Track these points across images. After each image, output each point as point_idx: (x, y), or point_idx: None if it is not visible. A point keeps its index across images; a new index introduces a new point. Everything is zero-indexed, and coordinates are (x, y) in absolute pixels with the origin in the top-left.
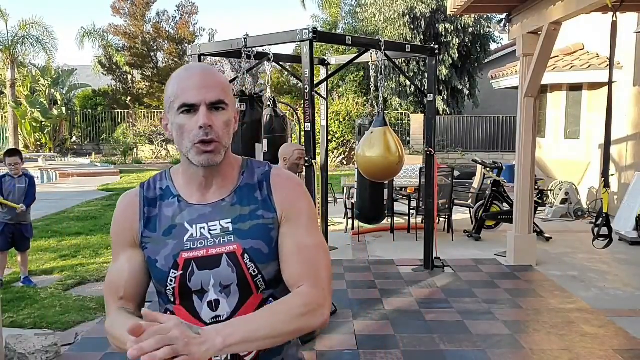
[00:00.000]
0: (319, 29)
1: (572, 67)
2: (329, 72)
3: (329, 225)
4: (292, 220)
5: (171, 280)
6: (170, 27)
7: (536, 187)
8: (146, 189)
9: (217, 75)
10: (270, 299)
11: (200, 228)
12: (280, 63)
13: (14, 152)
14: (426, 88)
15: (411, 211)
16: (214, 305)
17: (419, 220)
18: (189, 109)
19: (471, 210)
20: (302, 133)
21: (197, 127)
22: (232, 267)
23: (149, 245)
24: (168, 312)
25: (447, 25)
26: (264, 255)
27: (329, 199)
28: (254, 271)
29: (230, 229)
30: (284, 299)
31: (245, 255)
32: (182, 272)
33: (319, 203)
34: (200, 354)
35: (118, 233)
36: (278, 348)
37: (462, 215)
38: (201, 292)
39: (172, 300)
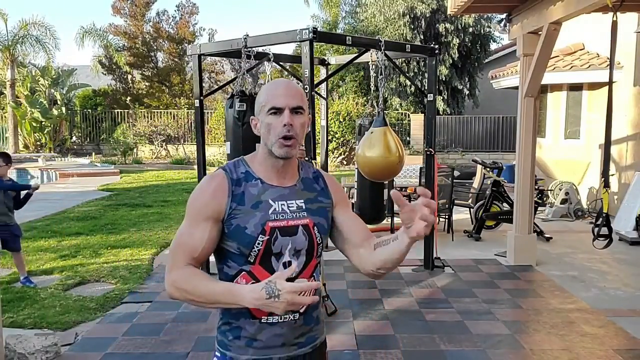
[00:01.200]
0: (319, 29)
1: (572, 67)
2: (329, 72)
3: None
4: (342, 204)
5: (258, 244)
6: (170, 27)
7: (536, 187)
8: (230, 173)
9: (297, 87)
10: (317, 264)
11: (282, 204)
12: (280, 63)
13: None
14: (426, 88)
15: None
16: (287, 265)
17: None
18: (276, 111)
19: (471, 210)
20: None
21: (281, 125)
22: (305, 236)
23: (239, 215)
24: (244, 272)
25: (447, 25)
26: (325, 229)
27: None
28: (319, 240)
29: (304, 207)
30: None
31: (315, 227)
32: (268, 237)
33: None
34: None
35: (204, 205)
36: (318, 303)
37: (462, 215)
38: (278, 255)
39: (252, 261)
